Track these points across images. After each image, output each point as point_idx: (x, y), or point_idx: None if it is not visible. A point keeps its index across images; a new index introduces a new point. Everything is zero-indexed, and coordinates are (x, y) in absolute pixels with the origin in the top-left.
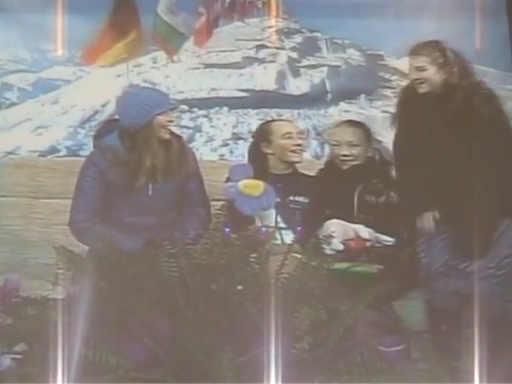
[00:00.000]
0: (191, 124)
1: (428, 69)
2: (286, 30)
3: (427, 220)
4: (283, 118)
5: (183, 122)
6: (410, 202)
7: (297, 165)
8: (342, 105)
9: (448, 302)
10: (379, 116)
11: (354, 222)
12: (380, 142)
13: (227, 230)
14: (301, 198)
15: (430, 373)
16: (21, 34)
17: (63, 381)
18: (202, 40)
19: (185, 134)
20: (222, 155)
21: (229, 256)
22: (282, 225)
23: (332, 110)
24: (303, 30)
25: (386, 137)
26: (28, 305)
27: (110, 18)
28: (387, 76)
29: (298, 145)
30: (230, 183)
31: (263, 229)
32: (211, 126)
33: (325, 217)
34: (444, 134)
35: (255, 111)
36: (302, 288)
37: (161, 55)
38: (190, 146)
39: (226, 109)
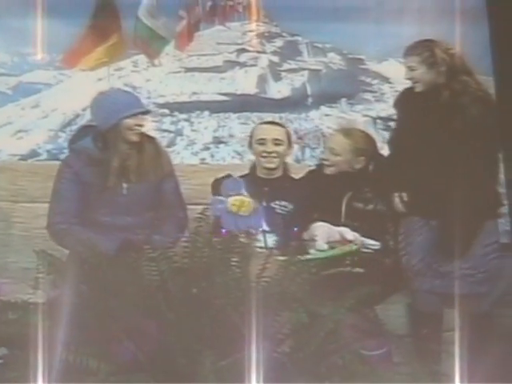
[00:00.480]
0: (172, 128)
1: (418, 69)
2: (266, 34)
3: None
4: (273, 120)
5: (164, 126)
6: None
7: (285, 168)
8: (323, 109)
9: (427, 304)
10: (360, 120)
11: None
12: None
13: (224, 231)
14: (287, 203)
15: (412, 376)
16: (1, 38)
17: None
18: (183, 44)
19: (166, 138)
20: (203, 159)
21: (210, 260)
22: (267, 229)
23: (313, 113)
24: (284, 34)
25: None
26: (8, 309)
27: (91, 22)
28: (368, 80)
29: (270, 152)
30: (219, 197)
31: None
32: (192, 130)
33: (311, 221)
34: (430, 133)
35: (236, 115)
36: (283, 292)
37: (142, 59)
38: (171, 149)
39: (207, 113)
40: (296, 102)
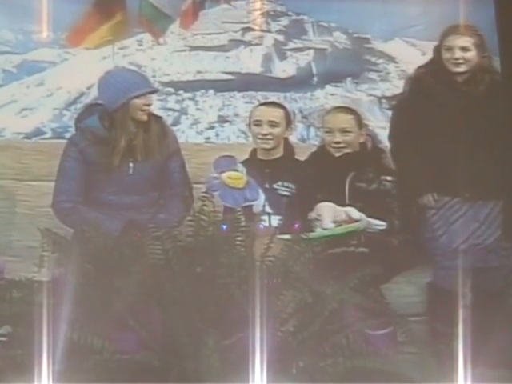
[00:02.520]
0: (177, 106)
1: (472, 49)
2: (272, 13)
3: (427, 200)
4: (273, 101)
5: (169, 105)
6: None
7: (286, 148)
8: (328, 88)
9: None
10: (365, 99)
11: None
12: (367, 126)
13: (224, 227)
14: (289, 184)
15: (416, 356)
16: (5, 16)
17: (48, 363)
18: (188, 22)
19: (170, 117)
20: (208, 138)
21: (214, 239)
22: (270, 210)
23: (318, 93)
24: (289, 13)
25: (374, 120)
26: (13, 287)
27: (96, 0)
28: (373, 59)
29: (265, 134)
30: (213, 174)
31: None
32: (197, 109)
33: (315, 202)
34: (468, 115)
35: (241, 94)
36: (287, 271)
37: (146, 37)
38: (176, 128)
39: (211, 91)
40: (301, 81)
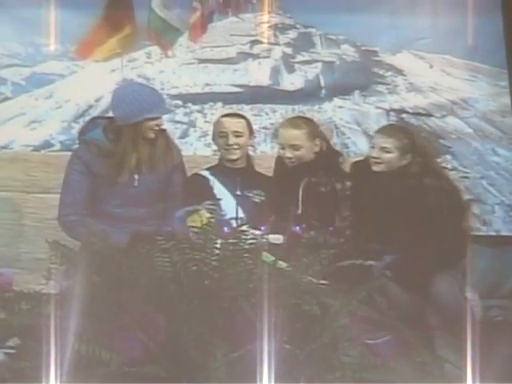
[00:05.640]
0: (185, 119)
1: (392, 152)
2: (280, 26)
3: None
4: (235, 112)
5: (177, 117)
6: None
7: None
8: (336, 100)
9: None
10: (373, 112)
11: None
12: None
13: (225, 228)
14: (259, 191)
15: (423, 366)
16: (15, 29)
17: (56, 375)
18: (196, 35)
19: (179, 129)
20: (216, 150)
21: (222, 251)
22: (242, 215)
23: (326, 105)
24: (298, 26)
25: None
26: (21, 299)
27: (105, 13)
28: (381, 72)
29: (231, 144)
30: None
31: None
32: (205, 122)
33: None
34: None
35: (249, 107)
36: (295, 283)
37: (155, 50)
38: (184, 141)
39: (220, 104)
40: (309, 94)
